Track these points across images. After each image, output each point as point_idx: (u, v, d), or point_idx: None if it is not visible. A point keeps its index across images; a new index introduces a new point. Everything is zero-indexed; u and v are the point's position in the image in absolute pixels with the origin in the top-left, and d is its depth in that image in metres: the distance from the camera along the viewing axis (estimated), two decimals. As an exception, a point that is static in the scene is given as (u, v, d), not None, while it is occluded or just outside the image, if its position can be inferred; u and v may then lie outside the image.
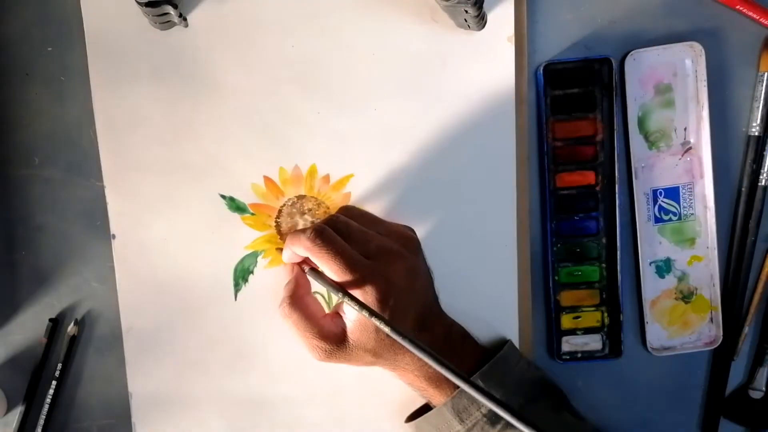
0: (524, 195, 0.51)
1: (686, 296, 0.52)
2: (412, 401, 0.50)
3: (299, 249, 0.42)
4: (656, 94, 0.51)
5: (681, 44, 0.50)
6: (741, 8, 0.50)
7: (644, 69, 0.50)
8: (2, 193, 0.49)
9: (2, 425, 0.50)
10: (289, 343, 0.50)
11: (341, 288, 0.41)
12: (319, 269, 0.43)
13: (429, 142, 0.50)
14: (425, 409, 0.48)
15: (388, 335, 0.40)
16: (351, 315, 0.43)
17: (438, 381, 0.45)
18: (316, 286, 0.50)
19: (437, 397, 0.46)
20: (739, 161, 0.52)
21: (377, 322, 0.40)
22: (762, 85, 0.51)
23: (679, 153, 0.51)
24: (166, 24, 0.47)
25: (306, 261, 0.45)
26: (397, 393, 0.51)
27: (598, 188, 0.51)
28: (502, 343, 0.48)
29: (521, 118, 0.50)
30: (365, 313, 0.40)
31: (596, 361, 0.52)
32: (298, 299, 0.44)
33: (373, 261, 0.42)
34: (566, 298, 0.52)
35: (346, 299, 0.41)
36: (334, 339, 0.43)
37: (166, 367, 0.50)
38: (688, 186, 0.52)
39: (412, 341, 0.39)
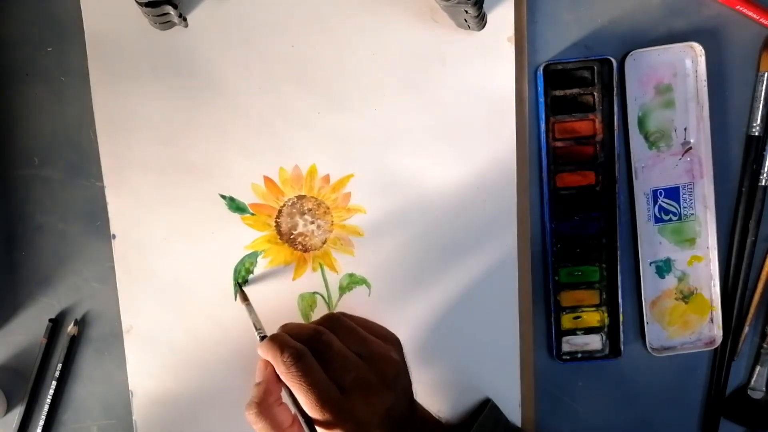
0: (524, 195, 0.51)
1: (686, 296, 0.52)
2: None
3: (275, 365, 0.41)
4: (656, 94, 0.51)
5: (681, 44, 0.50)
6: (741, 8, 0.50)
7: (644, 69, 0.50)
8: (2, 193, 0.49)
9: (2, 425, 0.50)
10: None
11: (309, 422, 0.40)
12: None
13: (429, 142, 0.50)
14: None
15: None
16: None
17: None
18: (316, 285, 0.50)
19: None
20: (739, 161, 0.52)
21: None
22: (762, 85, 0.51)
23: (679, 153, 0.51)
24: (166, 24, 0.47)
25: None
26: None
27: (598, 188, 0.51)
28: (481, 405, 0.47)
29: (521, 118, 0.50)
30: None
31: (596, 361, 0.52)
32: (266, 407, 0.42)
33: (347, 396, 0.40)
34: (566, 298, 0.52)
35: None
36: None
37: (166, 367, 0.50)
38: (688, 186, 0.52)
39: None
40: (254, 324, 0.46)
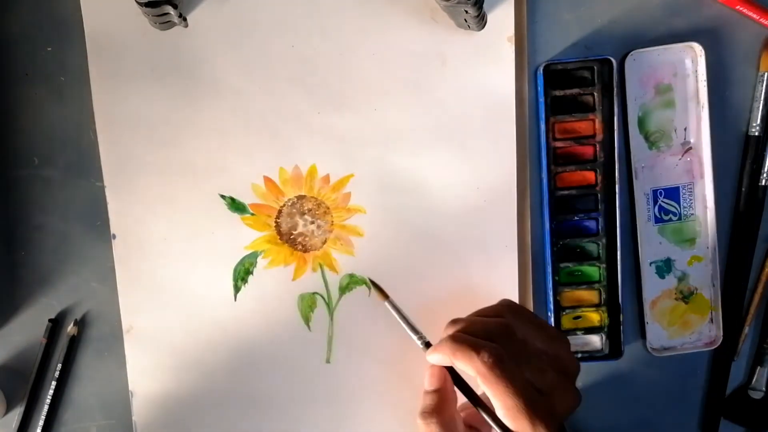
0: (524, 195, 0.51)
1: (686, 296, 0.52)
2: (413, 402, 0.50)
3: (468, 368, 0.37)
4: (656, 94, 0.51)
5: (681, 44, 0.50)
6: (741, 8, 0.50)
7: (644, 69, 0.50)
8: (2, 193, 0.49)
9: (2, 425, 0.50)
10: (289, 343, 0.50)
11: (504, 426, 0.37)
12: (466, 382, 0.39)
13: (429, 142, 0.50)
14: None
15: None
16: None
17: None
18: (316, 285, 0.50)
19: None
20: (739, 161, 0.52)
21: None
22: (762, 85, 0.51)
23: (679, 153, 0.51)
24: (166, 24, 0.47)
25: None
26: (398, 394, 0.50)
27: (598, 188, 0.51)
28: None
29: (521, 118, 0.50)
30: None
31: (596, 361, 0.52)
32: (446, 417, 0.39)
33: (547, 398, 0.37)
34: (566, 298, 0.52)
35: None
36: None
37: (166, 367, 0.50)
38: (688, 186, 0.52)
39: None
40: (411, 327, 0.43)
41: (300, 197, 0.50)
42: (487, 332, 0.39)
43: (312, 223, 0.50)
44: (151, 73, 0.49)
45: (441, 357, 0.39)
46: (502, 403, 0.37)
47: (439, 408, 0.39)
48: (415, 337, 0.43)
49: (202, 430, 0.50)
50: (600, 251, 0.51)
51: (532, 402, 0.36)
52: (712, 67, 0.50)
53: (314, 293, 0.50)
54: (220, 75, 0.49)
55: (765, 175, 0.51)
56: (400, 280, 0.50)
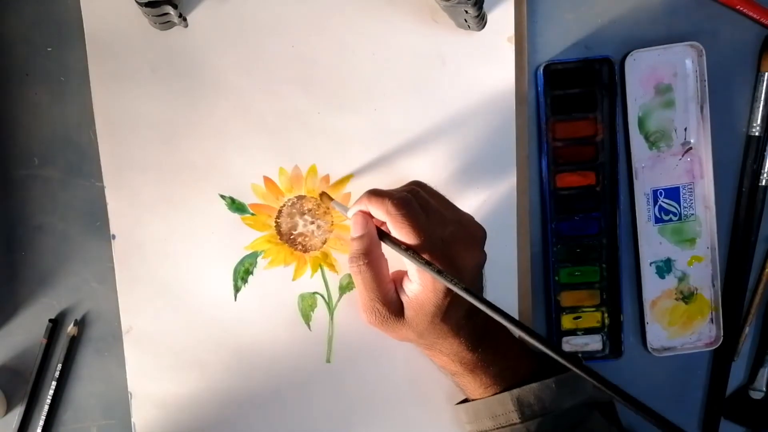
0: (524, 195, 0.51)
1: (686, 296, 0.52)
2: (412, 401, 0.50)
3: (378, 212, 0.41)
4: (656, 94, 0.51)
5: (681, 44, 0.50)
6: (741, 8, 0.50)
7: (644, 69, 0.50)
8: (2, 193, 0.49)
9: (2, 425, 0.50)
10: (289, 343, 0.50)
11: (419, 254, 0.40)
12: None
13: (429, 142, 0.50)
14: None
15: (441, 320, 0.41)
16: (411, 292, 0.42)
17: (473, 366, 0.44)
18: (316, 285, 0.50)
19: (470, 384, 0.45)
20: (739, 161, 0.52)
21: (458, 289, 0.39)
22: (762, 85, 0.51)
23: (679, 153, 0.51)
24: (166, 24, 0.47)
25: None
26: (397, 393, 0.51)
27: (598, 188, 0.51)
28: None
29: (521, 118, 0.50)
30: (443, 279, 0.39)
31: (596, 361, 0.52)
32: (373, 257, 0.42)
33: (447, 245, 0.41)
34: (566, 298, 0.52)
35: (424, 266, 0.40)
36: (393, 308, 0.42)
37: (166, 367, 0.50)
38: (689, 186, 0.52)
39: (505, 315, 0.39)
40: (343, 207, 0.46)
41: (300, 197, 0.50)
42: (397, 191, 0.43)
43: (312, 223, 0.50)
44: (151, 73, 0.49)
45: (358, 206, 0.43)
46: (406, 240, 0.40)
47: (366, 250, 0.42)
48: (346, 213, 0.45)
49: (202, 430, 0.50)
50: (600, 251, 0.51)
51: (432, 241, 0.40)
52: (712, 67, 0.50)
53: (314, 293, 0.50)
54: (220, 75, 0.49)
55: (765, 175, 0.51)
56: (400, 280, 0.50)
